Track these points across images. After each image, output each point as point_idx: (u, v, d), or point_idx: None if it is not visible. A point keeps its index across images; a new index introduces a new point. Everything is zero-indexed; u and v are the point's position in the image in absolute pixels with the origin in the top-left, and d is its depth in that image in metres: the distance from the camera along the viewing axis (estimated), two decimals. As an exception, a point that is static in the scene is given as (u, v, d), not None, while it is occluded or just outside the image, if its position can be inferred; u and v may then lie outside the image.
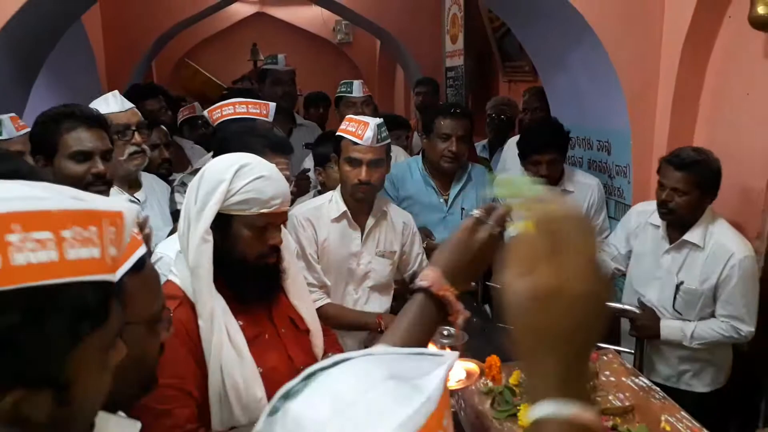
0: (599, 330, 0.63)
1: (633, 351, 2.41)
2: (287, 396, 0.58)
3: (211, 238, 1.40)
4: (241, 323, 1.43)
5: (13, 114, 2.46)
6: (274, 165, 1.49)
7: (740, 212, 2.58)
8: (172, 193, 2.50)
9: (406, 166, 2.88)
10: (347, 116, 2.34)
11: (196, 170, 2.62)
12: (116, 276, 0.66)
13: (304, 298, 1.64)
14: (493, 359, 1.66)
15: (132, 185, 2.37)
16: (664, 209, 2.27)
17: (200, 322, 1.37)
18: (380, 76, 8.12)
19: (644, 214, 2.48)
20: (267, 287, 1.51)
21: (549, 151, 2.74)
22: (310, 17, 8.39)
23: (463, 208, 2.85)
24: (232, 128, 2.17)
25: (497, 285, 0.69)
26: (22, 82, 2.94)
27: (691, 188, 2.19)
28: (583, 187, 2.88)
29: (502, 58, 4.93)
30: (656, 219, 2.39)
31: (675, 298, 2.31)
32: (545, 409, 0.59)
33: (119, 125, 2.23)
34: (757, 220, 2.49)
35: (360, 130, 2.18)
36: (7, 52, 2.61)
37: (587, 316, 0.62)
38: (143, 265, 0.94)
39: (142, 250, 0.94)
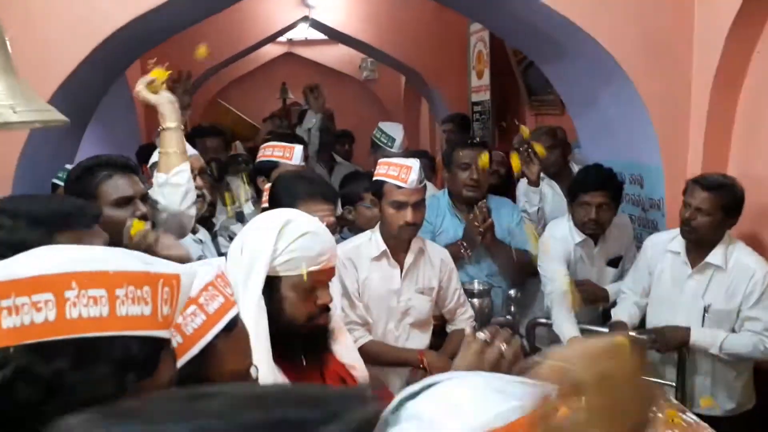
0: None
1: (673, 383, 2.42)
2: (410, 397, 0.70)
3: (264, 304, 1.32)
4: None
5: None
6: (317, 219, 1.46)
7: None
8: (215, 238, 2.57)
9: (435, 201, 2.89)
10: (385, 160, 2.38)
11: (240, 213, 2.74)
12: (168, 332, 0.72)
13: (352, 353, 1.59)
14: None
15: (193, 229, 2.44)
16: (686, 227, 2.35)
17: None
18: (405, 112, 8.25)
19: (659, 243, 2.54)
20: (317, 350, 1.45)
21: (600, 192, 2.64)
22: (336, 56, 8.60)
23: None
24: (280, 176, 2.24)
25: None
26: (75, 134, 3.09)
27: (715, 209, 2.28)
28: (621, 228, 2.84)
29: (528, 92, 5.00)
30: (675, 246, 2.46)
31: (703, 320, 2.36)
32: None
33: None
34: (794, 252, 2.50)
35: (403, 173, 2.23)
36: (65, 104, 2.76)
37: None
38: (235, 325, 0.96)
39: (234, 311, 0.97)
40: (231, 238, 2.53)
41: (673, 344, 2.36)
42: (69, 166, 2.62)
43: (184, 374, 0.88)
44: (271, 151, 2.75)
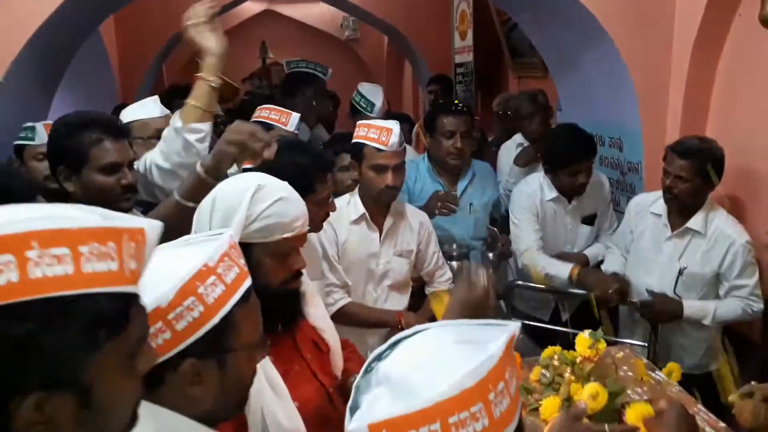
0: None
1: (645, 344, 2.48)
2: (378, 358, 0.75)
3: None
4: (272, 358, 1.34)
5: (48, 122, 2.52)
6: (287, 183, 1.40)
7: (752, 207, 2.62)
8: None
9: (414, 166, 2.88)
10: (364, 122, 2.35)
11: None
12: (136, 287, 0.71)
13: (323, 317, 1.58)
14: (515, 356, 1.71)
15: None
16: (669, 195, 2.39)
17: None
18: (388, 73, 8.16)
19: (642, 204, 2.60)
20: (291, 315, 1.45)
21: (590, 157, 2.70)
22: (317, 14, 8.43)
23: (471, 204, 2.89)
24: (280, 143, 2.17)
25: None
26: (46, 90, 3.02)
27: (693, 176, 2.31)
28: (595, 186, 2.87)
29: (511, 54, 4.96)
30: (657, 208, 2.51)
31: (676, 282, 2.43)
32: None
33: (158, 130, 2.17)
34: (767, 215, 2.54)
35: (383, 136, 2.20)
36: (33, 62, 2.68)
37: None
38: (249, 297, 0.98)
39: (248, 282, 0.98)
40: None
41: (666, 317, 2.40)
42: (33, 124, 2.55)
43: (206, 342, 0.90)
44: (267, 113, 2.71)
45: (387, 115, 3.70)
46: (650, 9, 2.83)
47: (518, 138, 3.57)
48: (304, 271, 1.44)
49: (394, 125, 2.25)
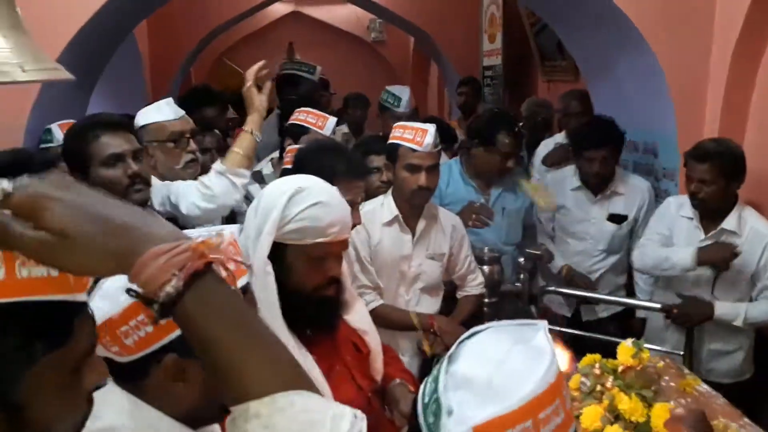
0: None
1: (682, 352, 2.46)
2: (447, 363, 0.80)
3: (271, 269, 1.31)
4: (315, 357, 1.36)
5: (70, 120, 2.54)
6: (335, 189, 1.42)
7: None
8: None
9: (447, 168, 2.86)
10: (400, 124, 2.37)
11: (257, 173, 2.71)
12: (83, 295, 0.64)
13: (366, 320, 1.58)
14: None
15: None
16: (695, 200, 2.41)
17: None
18: (414, 74, 8.16)
19: (674, 205, 2.62)
20: (324, 321, 1.43)
21: (603, 147, 2.78)
22: (344, 16, 8.47)
23: (504, 208, 2.88)
24: (310, 146, 2.19)
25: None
26: (84, 91, 3.08)
27: (716, 177, 2.33)
28: (635, 189, 2.92)
29: (540, 58, 4.93)
30: (686, 211, 2.52)
31: (714, 285, 2.42)
32: None
33: (174, 133, 2.22)
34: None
35: (419, 137, 2.21)
36: (73, 63, 2.72)
37: None
38: (245, 293, 0.95)
39: (245, 278, 0.95)
40: (248, 199, 2.52)
41: (697, 320, 2.39)
42: (49, 126, 2.59)
43: None
44: (305, 116, 2.72)
45: (415, 116, 3.71)
46: (688, 12, 2.79)
47: (559, 137, 3.59)
48: (345, 278, 1.45)
49: (430, 127, 2.25)
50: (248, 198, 2.49)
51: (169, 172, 2.20)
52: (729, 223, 2.41)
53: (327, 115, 2.76)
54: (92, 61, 3.07)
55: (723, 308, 2.37)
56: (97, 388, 0.67)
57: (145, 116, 2.26)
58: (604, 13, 2.87)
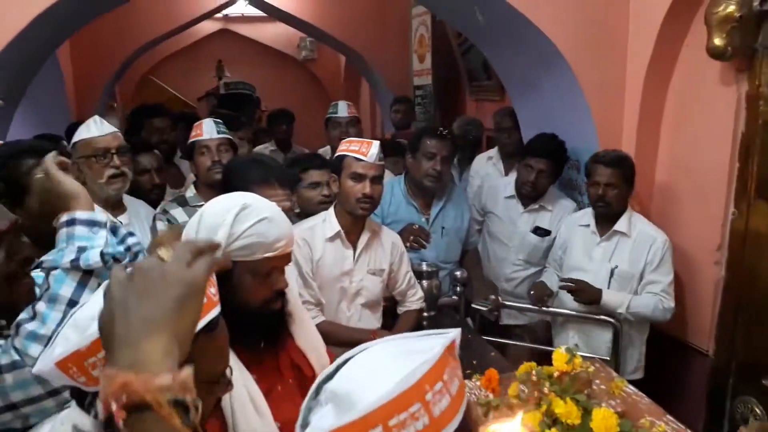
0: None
1: (608, 358, 2.62)
2: (327, 379, 0.78)
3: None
4: (255, 377, 1.36)
5: None
6: (275, 204, 1.44)
7: (700, 225, 2.78)
8: (154, 221, 2.53)
9: (389, 187, 2.95)
10: (348, 139, 2.47)
11: (180, 197, 2.68)
12: None
13: (312, 339, 1.59)
14: (492, 372, 1.77)
15: (115, 207, 2.39)
16: (601, 203, 2.67)
17: None
18: (345, 93, 8.23)
19: (570, 221, 2.93)
20: (274, 334, 1.45)
21: (545, 158, 2.99)
22: (274, 34, 8.45)
23: (443, 227, 2.98)
24: (234, 160, 2.23)
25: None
26: (5, 113, 2.95)
27: (620, 182, 2.63)
28: (562, 208, 3.12)
29: (468, 78, 5.09)
30: (584, 220, 2.83)
31: (609, 282, 2.68)
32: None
33: (98, 149, 2.29)
34: (716, 233, 2.70)
35: (364, 148, 2.29)
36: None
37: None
38: (215, 327, 0.95)
39: (215, 312, 0.95)
40: (170, 222, 2.49)
41: (587, 299, 2.66)
42: None
43: None
44: (193, 132, 2.73)
45: (356, 123, 3.97)
46: (605, 37, 2.98)
47: (492, 152, 3.75)
48: (289, 291, 1.45)
49: (375, 142, 2.34)
50: (170, 221, 2.48)
51: (95, 186, 2.25)
52: (620, 225, 2.68)
53: (201, 121, 2.79)
54: (15, 83, 2.95)
55: (609, 296, 2.64)
56: None
57: (77, 134, 2.34)
58: (526, 34, 3.02)
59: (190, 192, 2.66)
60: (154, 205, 2.69)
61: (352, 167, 2.30)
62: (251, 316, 1.37)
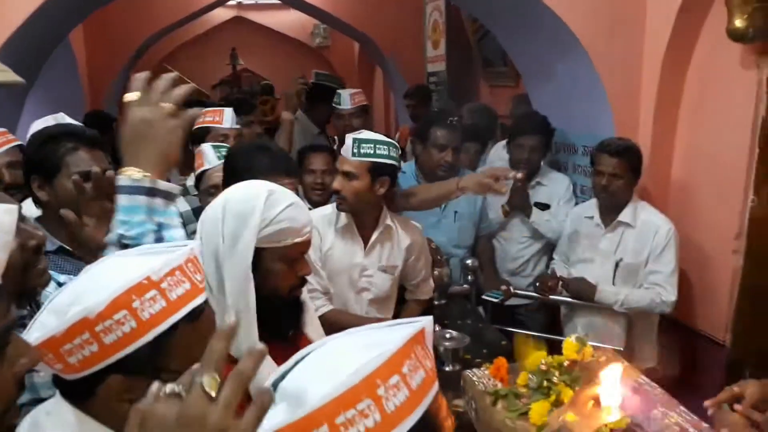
0: None
1: (620, 348, 2.57)
2: (280, 378, 0.73)
3: (252, 276, 1.27)
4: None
5: (1, 129, 2.45)
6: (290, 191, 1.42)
7: (719, 213, 2.72)
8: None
9: (401, 175, 2.92)
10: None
11: (182, 186, 2.66)
12: None
13: (317, 328, 1.57)
14: (501, 361, 1.74)
15: None
16: (604, 194, 2.61)
17: None
18: (359, 80, 8.19)
19: (575, 213, 2.89)
20: (297, 322, 1.43)
21: (535, 135, 3.01)
22: (287, 21, 8.43)
23: (456, 212, 2.94)
24: (239, 148, 2.19)
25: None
26: (17, 98, 2.96)
27: (625, 172, 2.56)
28: (556, 182, 3.15)
29: (483, 64, 5.03)
30: (588, 211, 2.78)
31: (615, 274, 2.65)
32: None
33: None
34: (735, 221, 2.63)
35: (347, 141, 2.25)
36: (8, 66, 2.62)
37: None
38: (198, 315, 0.91)
39: (200, 299, 0.92)
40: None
41: (581, 297, 2.66)
42: None
43: (137, 360, 0.85)
44: (203, 117, 2.71)
45: (363, 113, 3.90)
46: (622, 19, 2.91)
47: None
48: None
49: (353, 135, 2.25)
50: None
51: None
52: (624, 215, 2.63)
53: (221, 108, 2.76)
54: (27, 67, 2.95)
55: (604, 292, 2.61)
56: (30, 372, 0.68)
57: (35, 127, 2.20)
58: (542, 19, 2.96)
59: (191, 180, 2.64)
60: None
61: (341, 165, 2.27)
62: (281, 303, 1.35)
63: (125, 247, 1.19)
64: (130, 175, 1.18)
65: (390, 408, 0.66)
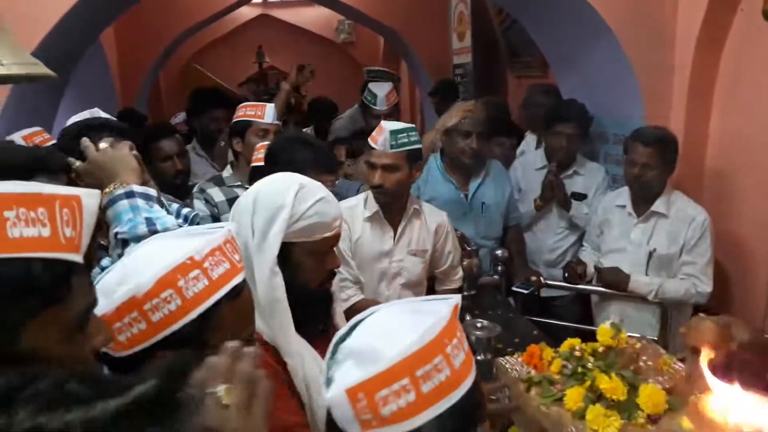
0: None
1: (654, 337, 2.52)
2: (341, 340, 0.82)
3: (278, 270, 1.28)
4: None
5: (37, 128, 2.49)
6: (321, 184, 1.41)
7: (756, 202, 2.65)
8: (191, 200, 2.53)
9: (426, 165, 2.91)
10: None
11: (217, 177, 2.70)
12: (78, 256, 0.68)
13: (342, 317, 1.56)
14: (535, 348, 1.73)
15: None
16: (637, 184, 2.56)
17: (289, 361, 1.27)
18: (384, 75, 8.19)
19: (607, 201, 2.82)
20: (328, 314, 1.44)
21: (572, 122, 2.97)
22: (312, 17, 8.46)
23: (483, 203, 2.92)
24: (281, 140, 2.20)
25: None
26: (52, 98, 3.02)
27: (659, 162, 2.50)
28: (592, 171, 3.11)
29: (509, 54, 4.99)
30: (621, 200, 2.71)
31: (648, 265, 2.59)
32: None
33: None
34: (772, 207, 2.57)
35: (377, 134, 2.25)
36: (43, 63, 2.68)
37: None
38: (239, 293, 0.94)
39: (239, 278, 0.94)
40: (207, 201, 2.52)
41: (613, 287, 2.62)
42: (11, 137, 2.54)
43: (183, 337, 0.88)
44: (243, 111, 2.73)
45: (395, 113, 3.85)
46: (653, 5, 2.86)
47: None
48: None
49: (388, 126, 2.25)
50: (207, 201, 2.50)
51: None
52: (658, 205, 2.57)
53: (264, 103, 2.76)
54: (61, 66, 3.01)
55: (637, 282, 2.55)
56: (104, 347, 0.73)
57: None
58: (571, 6, 2.92)
59: (227, 172, 2.68)
60: (178, 192, 2.61)
61: (368, 155, 2.29)
62: (312, 298, 1.36)
63: (123, 241, 1.28)
64: (107, 192, 1.33)
65: (456, 365, 0.75)
